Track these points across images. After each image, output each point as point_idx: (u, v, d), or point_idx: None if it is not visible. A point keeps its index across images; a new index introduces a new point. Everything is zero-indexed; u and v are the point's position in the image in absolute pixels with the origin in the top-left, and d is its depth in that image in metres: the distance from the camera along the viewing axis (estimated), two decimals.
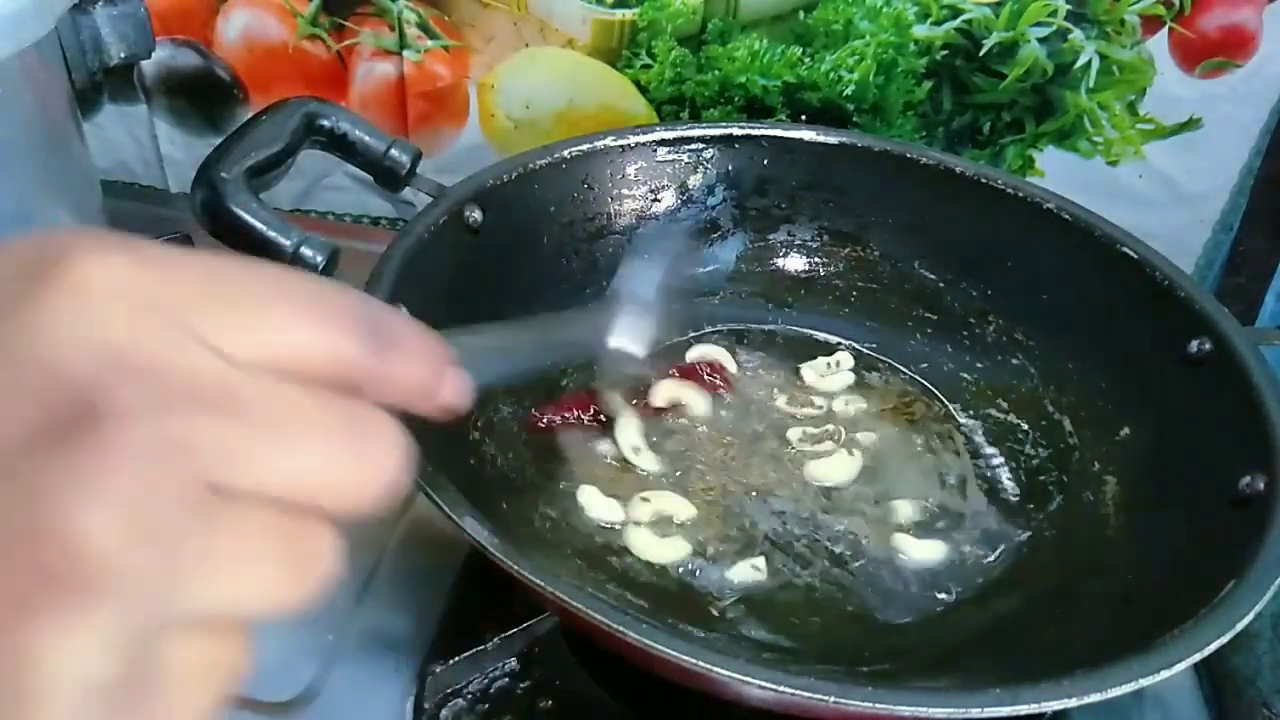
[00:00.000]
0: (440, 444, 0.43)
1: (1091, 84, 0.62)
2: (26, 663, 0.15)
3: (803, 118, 0.65)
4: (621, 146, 0.57)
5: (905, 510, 0.49)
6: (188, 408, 0.17)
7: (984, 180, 0.56)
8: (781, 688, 0.32)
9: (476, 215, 0.51)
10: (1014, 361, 0.55)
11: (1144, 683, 0.33)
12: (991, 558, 0.48)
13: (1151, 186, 0.64)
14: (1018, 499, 0.51)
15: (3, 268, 0.18)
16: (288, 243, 0.44)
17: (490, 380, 0.26)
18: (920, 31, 0.62)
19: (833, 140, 0.58)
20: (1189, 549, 0.42)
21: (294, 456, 0.18)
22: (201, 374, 0.18)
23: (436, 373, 0.22)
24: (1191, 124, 0.62)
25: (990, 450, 0.53)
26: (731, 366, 0.56)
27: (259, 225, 0.44)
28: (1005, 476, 0.52)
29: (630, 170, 0.57)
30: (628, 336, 0.38)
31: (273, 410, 0.18)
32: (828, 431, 0.53)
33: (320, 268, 0.44)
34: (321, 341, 0.19)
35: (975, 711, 0.32)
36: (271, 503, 0.18)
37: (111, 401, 0.17)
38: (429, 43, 0.67)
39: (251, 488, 0.18)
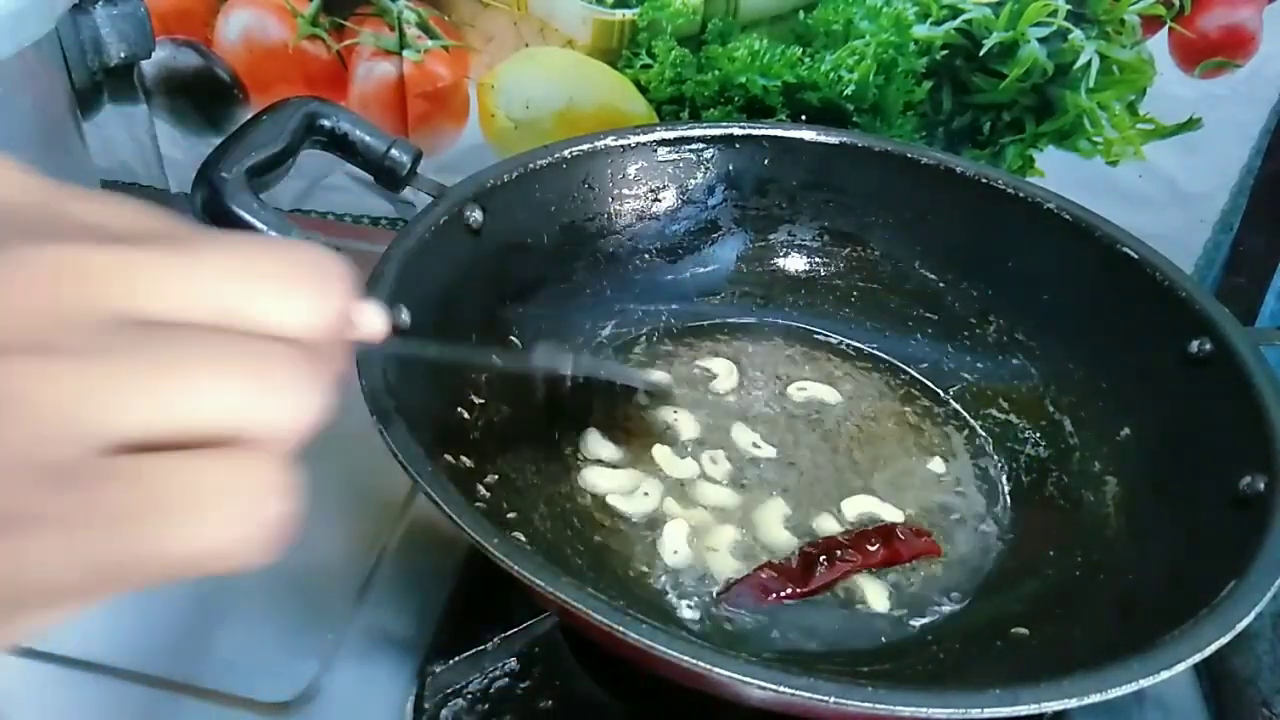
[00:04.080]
0: (440, 443, 0.43)
1: (1091, 84, 0.62)
2: None
3: (803, 118, 0.65)
4: (621, 146, 0.57)
5: (905, 511, 0.49)
6: (72, 240, 0.17)
7: (984, 180, 0.56)
8: (781, 688, 0.32)
9: (476, 215, 0.51)
10: (1014, 361, 0.56)
11: (1144, 683, 0.33)
12: (991, 558, 0.48)
13: (1151, 186, 0.64)
14: (1018, 499, 0.51)
15: None
16: None
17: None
18: (920, 31, 0.62)
19: (833, 140, 0.58)
20: (1189, 549, 0.42)
21: (210, 272, 0.18)
22: (90, 219, 0.18)
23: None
24: (1191, 124, 0.62)
25: (990, 450, 0.53)
26: (733, 378, 0.56)
27: (259, 225, 0.44)
28: (1005, 477, 0.52)
29: (630, 170, 0.57)
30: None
31: (173, 240, 0.18)
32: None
33: None
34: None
35: (975, 711, 0.32)
36: (208, 324, 0.18)
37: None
38: (429, 43, 0.67)
39: (168, 312, 0.17)
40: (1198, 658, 0.34)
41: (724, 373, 0.56)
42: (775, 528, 0.48)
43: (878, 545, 0.47)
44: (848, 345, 0.59)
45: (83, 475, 0.17)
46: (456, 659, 0.42)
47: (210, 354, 0.18)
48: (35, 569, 0.17)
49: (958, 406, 0.55)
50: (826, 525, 0.48)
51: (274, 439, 0.18)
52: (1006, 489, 0.51)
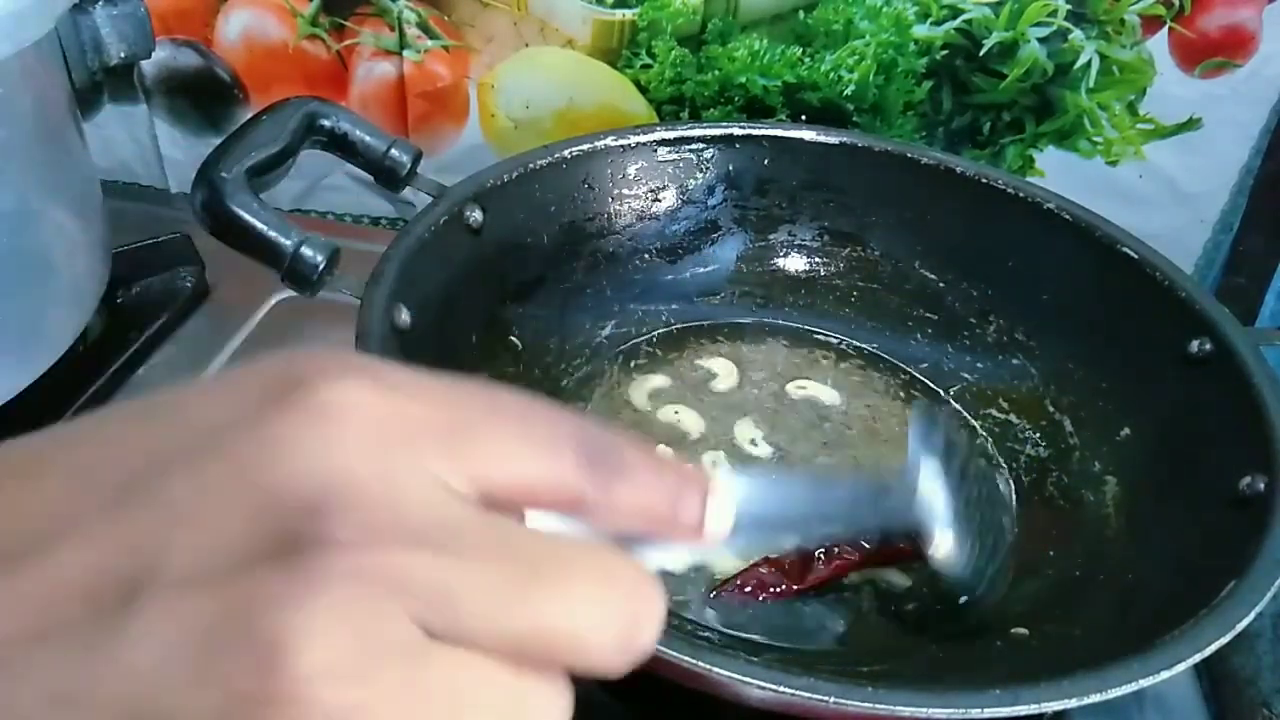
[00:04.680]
0: None
1: (1091, 84, 0.62)
2: None
3: (803, 118, 0.65)
4: (621, 146, 0.57)
5: None
6: (409, 543, 0.17)
7: (984, 180, 0.56)
8: (781, 688, 0.32)
9: (476, 215, 0.51)
10: (1014, 361, 0.56)
11: (1144, 683, 0.33)
12: (991, 558, 0.48)
13: (1151, 186, 0.64)
14: (1018, 499, 0.51)
15: (251, 382, 0.18)
16: (288, 243, 0.44)
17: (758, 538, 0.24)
18: (920, 31, 0.62)
19: (833, 140, 0.58)
20: (1189, 549, 0.42)
21: (530, 604, 0.17)
22: (428, 510, 0.17)
23: (676, 498, 0.21)
24: (1191, 124, 0.62)
25: (990, 450, 0.53)
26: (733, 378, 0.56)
27: (259, 225, 0.44)
28: (1005, 477, 0.52)
29: (630, 170, 0.57)
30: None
31: (499, 552, 0.17)
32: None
33: (320, 268, 0.44)
34: (546, 469, 0.19)
35: (975, 712, 0.32)
36: (498, 651, 0.17)
37: (330, 530, 0.16)
38: (429, 43, 0.67)
39: (472, 637, 0.17)
40: (1198, 658, 0.34)
41: (724, 372, 0.56)
42: None
43: (875, 542, 0.47)
44: (848, 345, 0.59)
45: None
46: None
47: (473, 701, 0.17)
48: None
49: (958, 406, 0.55)
50: None
51: None
52: (1006, 489, 0.51)
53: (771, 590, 0.45)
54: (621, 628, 0.18)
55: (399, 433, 0.18)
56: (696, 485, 0.22)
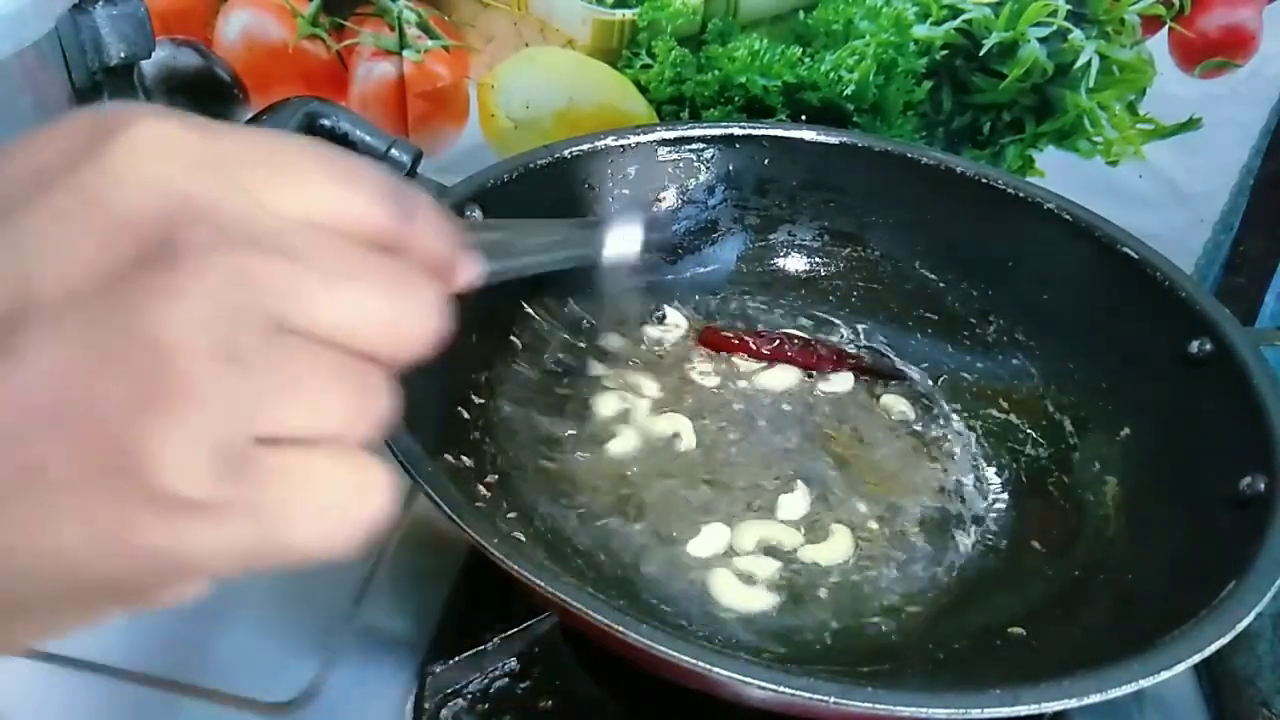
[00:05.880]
0: (441, 443, 0.43)
1: (1091, 84, 0.62)
2: (136, 462, 0.17)
3: (803, 118, 0.65)
4: (621, 146, 0.57)
5: (905, 511, 0.49)
6: (251, 248, 0.19)
7: (984, 180, 0.56)
8: (781, 688, 0.32)
9: (477, 215, 0.51)
10: (1014, 361, 0.56)
11: (1144, 683, 0.33)
12: (991, 558, 0.48)
13: (1151, 186, 0.64)
14: (1018, 500, 0.51)
15: (70, 128, 0.19)
16: None
17: (496, 271, 0.29)
18: (920, 31, 0.62)
19: (833, 140, 0.58)
20: (1189, 549, 0.42)
21: (350, 300, 0.20)
22: (257, 221, 0.19)
23: (452, 247, 0.24)
24: (1191, 124, 0.62)
25: (990, 450, 0.53)
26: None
27: None
28: (1005, 477, 0.52)
29: (630, 170, 0.57)
30: (621, 241, 0.39)
31: (327, 258, 0.20)
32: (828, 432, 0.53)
33: None
34: (355, 202, 0.21)
35: (975, 712, 0.32)
36: (330, 342, 0.20)
37: (184, 237, 0.18)
38: (429, 43, 0.67)
39: (311, 327, 0.19)
40: (1198, 658, 0.34)
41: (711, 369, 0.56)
42: (780, 527, 0.48)
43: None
44: (848, 345, 0.59)
45: (244, 470, 0.18)
46: (456, 659, 0.42)
47: (324, 378, 0.20)
48: (190, 551, 0.18)
49: (958, 406, 0.55)
50: (837, 522, 0.48)
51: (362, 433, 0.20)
52: (1006, 489, 0.51)
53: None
54: (408, 317, 0.21)
55: (221, 161, 0.19)
56: (460, 238, 0.24)
